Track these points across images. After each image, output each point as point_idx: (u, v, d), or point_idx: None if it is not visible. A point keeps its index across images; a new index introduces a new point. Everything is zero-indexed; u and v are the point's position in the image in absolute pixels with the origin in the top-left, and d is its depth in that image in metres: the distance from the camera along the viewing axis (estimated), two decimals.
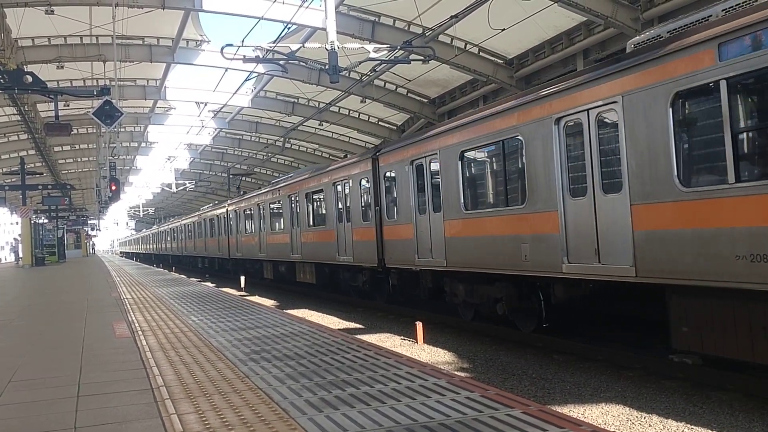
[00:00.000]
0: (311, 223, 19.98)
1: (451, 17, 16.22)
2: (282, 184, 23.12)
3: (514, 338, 11.83)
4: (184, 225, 45.60)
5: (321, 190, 18.96)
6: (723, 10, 7.83)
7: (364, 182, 16.10)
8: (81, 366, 7.09)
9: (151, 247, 68.62)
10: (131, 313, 11.93)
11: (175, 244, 50.15)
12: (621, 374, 9.03)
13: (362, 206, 16.19)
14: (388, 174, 14.94)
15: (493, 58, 21.37)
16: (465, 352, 11.14)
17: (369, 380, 5.72)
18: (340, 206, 17.62)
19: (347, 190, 17.09)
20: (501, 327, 12.37)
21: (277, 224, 23.85)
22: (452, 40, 20.25)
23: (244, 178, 43.87)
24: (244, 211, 28.51)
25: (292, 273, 22.54)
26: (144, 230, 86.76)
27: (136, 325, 10.27)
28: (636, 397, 7.95)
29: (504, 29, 17.64)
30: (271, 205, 24.38)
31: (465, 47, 20.63)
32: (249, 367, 6.57)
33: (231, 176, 42.37)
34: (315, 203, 19.97)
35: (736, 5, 7.73)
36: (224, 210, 32.54)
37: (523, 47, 20.43)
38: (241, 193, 34.53)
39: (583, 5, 15.93)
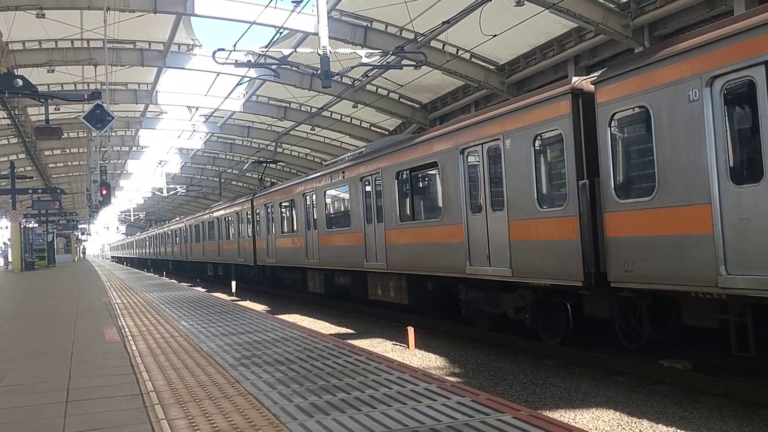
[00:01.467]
0: (406, 215, 13.80)
1: (443, 23, 16.25)
2: (349, 164, 16.45)
3: (505, 343, 11.84)
4: (191, 226, 38.75)
5: (432, 164, 12.61)
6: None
7: (544, 139, 9.69)
8: (70, 371, 7.05)
9: (149, 251, 61.86)
10: (121, 318, 11.87)
11: (178, 248, 43.61)
12: (611, 379, 9.05)
13: (537, 182, 9.74)
14: (622, 115, 8.48)
15: (484, 64, 21.44)
16: (456, 357, 11.15)
17: (360, 385, 5.71)
18: (477, 186, 11.23)
19: (499, 159, 10.51)
20: (492, 332, 12.38)
21: (338, 220, 17.68)
22: (444, 45, 20.31)
23: (267, 167, 33.79)
24: (281, 204, 21.93)
25: (361, 287, 16.48)
26: (140, 233, 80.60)
27: (126, 329, 10.22)
28: (626, 402, 7.98)
29: (495, 35, 17.71)
30: (328, 195, 18.07)
31: (457, 53, 20.69)
32: (239, 372, 6.55)
33: (253, 164, 34.86)
34: (416, 187, 13.91)
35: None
36: (247, 206, 26.10)
37: (514, 53, 20.51)
38: (268, 183, 28.64)
39: (574, 12, 16.01)
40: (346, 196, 16.72)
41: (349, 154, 18.00)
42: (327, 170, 18.13)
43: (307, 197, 19.28)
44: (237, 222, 27.84)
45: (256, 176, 47.22)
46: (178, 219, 48.97)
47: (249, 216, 25.83)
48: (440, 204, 12.43)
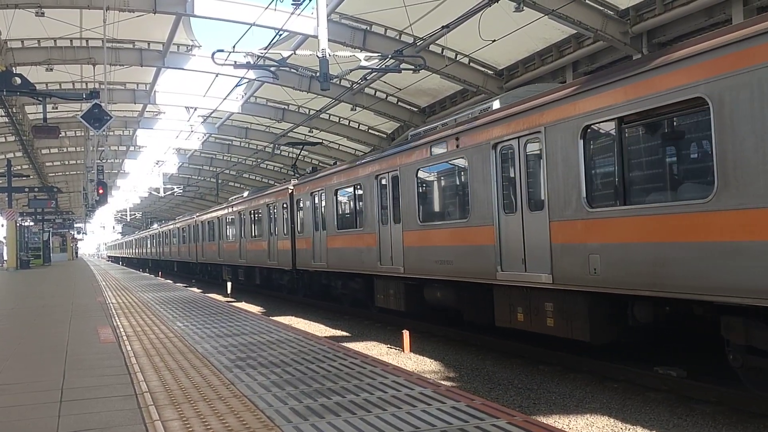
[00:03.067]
0: (611, 195, 8.43)
1: (442, 27, 16.30)
2: (469, 126, 11.07)
3: (501, 348, 11.84)
4: (203, 222, 34.03)
5: (686, 105, 7.30)
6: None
7: None
8: (64, 371, 7.04)
9: (150, 251, 57.33)
10: (116, 318, 11.85)
11: (186, 247, 39.07)
12: (606, 385, 9.06)
13: None
14: None
15: (483, 69, 21.49)
16: (451, 361, 11.15)
17: (355, 389, 5.71)
18: None
19: None
20: (487, 336, 12.38)
21: (444, 211, 12.43)
22: (443, 50, 20.35)
23: (299, 152, 27.08)
24: (337, 192, 16.86)
25: (482, 307, 11.49)
26: (140, 231, 75.44)
27: (121, 330, 10.20)
28: (620, 408, 7.98)
29: (494, 40, 17.75)
30: (425, 175, 12.81)
31: (455, 57, 20.73)
32: (234, 374, 6.54)
33: (287, 145, 29.10)
34: (637, 148, 8.25)
35: None
36: (284, 196, 21.00)
37: (513, 59, 20.56)
38: (308, 170, 23.22)
39: (573, 18, 16.06)
40: (462, 174, 11.46)
41: (459, 115, 12.49)
42: (423, 140, 12.68)
43: (383, 179, 14.27)
44: (267, 216, 22.78)
45: (255, 177, 47.34)
46: (185, 215, 43.65)
47: (287, 208, 20.75)
48: (716, 173, 6.83)
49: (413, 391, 5.56)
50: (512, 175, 10.12)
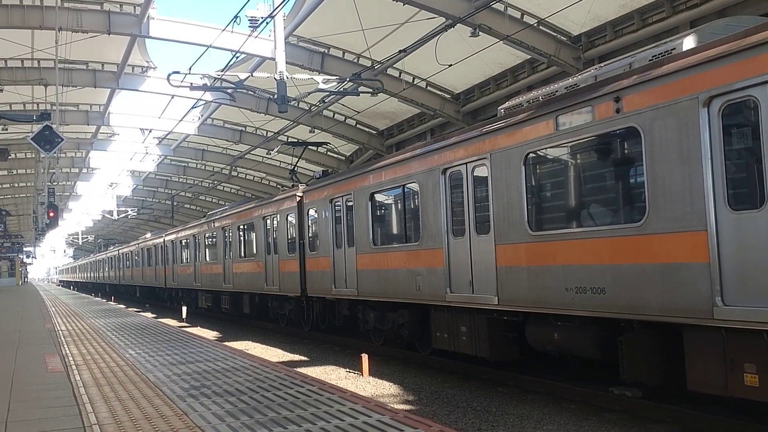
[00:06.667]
0: None
1: (400, 52, 16.44)
2: (671, 67, 7.20)
3: (460, 371, 11.85)
4: (174, 242, 29.90)
5: None
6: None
7: None
8: (9, 402, 6.78)
9: (108, 275, 51.41)
10: (65, 346, 11.51)
11: (151, 271, 34.37)
12: (563, 406, 9.12)
13: None
14: None
15: (440, 93, 21.74)
16: (411, 385, 11.10)
17: (311, 417, 5.62)
18: None
19: None
20: (447, 360, 12.38)
21: (582, 212, 8.56)
22: (400, 73, 20.54)
23: (300, 156, 22.46)
24: (374, 196, 13.37)
25: (661, 359, 7.69)
26: (95, 253, 68.36)
27: (70, 358, 9.90)
28: (577, 429, 8.04)
29: (451, 65, 17.99)
30: (537, 160, 9.10)
31: (413, 81, 20.93)
32: (187, 403, 6.38)
33: (285, 145, 22.79)
34: None
35: None
36: (289, 205, 17.40)
37: (469, 83, 20.86)
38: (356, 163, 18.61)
39: (527, 44, 16.39)
40: (629, 152, 7.83)
41: (588, 72, 9.35)
42: (538, 111, 8.87)
43: (456, 174, 10.60)
44: (264, 232, 19.13)
45: (211, 199, 46.70)
46: (150, 235, 38.91)
47: (293, 221, 17.10)
48: None
49: (371, 418, 5.50)
50: (749, 146, 6.43)
